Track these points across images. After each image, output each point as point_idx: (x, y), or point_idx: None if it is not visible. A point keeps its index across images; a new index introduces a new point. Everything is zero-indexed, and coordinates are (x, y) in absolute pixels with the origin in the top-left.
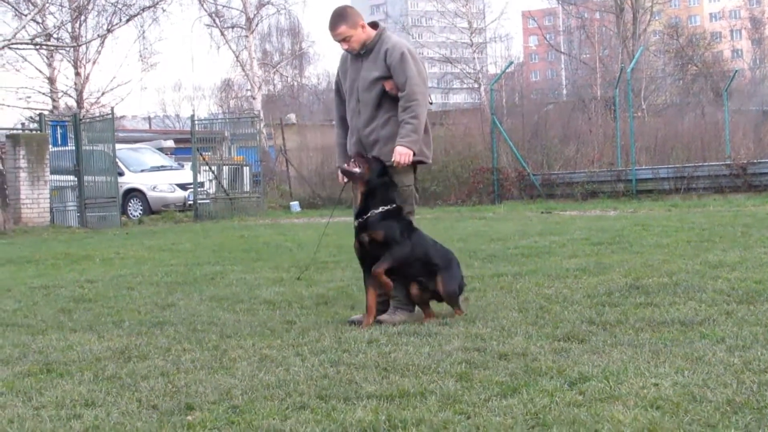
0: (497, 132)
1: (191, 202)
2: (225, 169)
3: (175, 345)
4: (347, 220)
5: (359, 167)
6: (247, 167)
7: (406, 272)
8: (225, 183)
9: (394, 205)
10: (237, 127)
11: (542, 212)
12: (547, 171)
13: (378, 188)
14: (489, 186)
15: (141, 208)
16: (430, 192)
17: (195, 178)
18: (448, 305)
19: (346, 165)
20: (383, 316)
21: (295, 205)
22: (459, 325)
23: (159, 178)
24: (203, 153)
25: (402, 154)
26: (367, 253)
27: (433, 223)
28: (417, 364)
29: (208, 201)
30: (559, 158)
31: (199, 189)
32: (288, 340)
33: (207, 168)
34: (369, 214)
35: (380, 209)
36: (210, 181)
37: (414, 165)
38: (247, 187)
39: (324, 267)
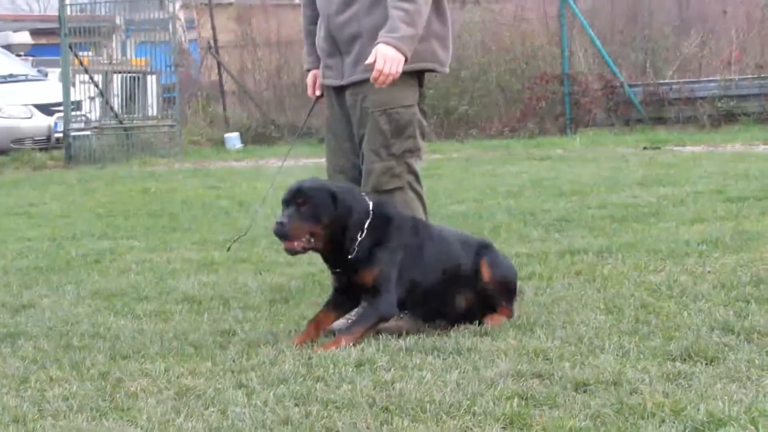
0: (570, 14)
1: (60, 135)
2: (117, 80)
3: (35, 372)
4: (318, 162)
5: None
6: (154, 77)
7: (431, 300)
8: (117, 104)
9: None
10: (135, 11)
11: (645, 147)
12: (653, 80)
13: (342, 243)
14: (556, 105)
15: None
16: (459, 116)
17: (67, 95)
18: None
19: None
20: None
21: (233, 138)
22: (507, 335)
23: (6, 95)
24: (80, 54)
25: (386, 59)
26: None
27: (462, 167)
28: (438, 401)
29: (88, 133)
30: (672, 58)
31: (73, 113)
32: (224, 362)
33: (87, 79)
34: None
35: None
36: (92, 99)
37: (419, 75)
38: (153, 110)
39: None
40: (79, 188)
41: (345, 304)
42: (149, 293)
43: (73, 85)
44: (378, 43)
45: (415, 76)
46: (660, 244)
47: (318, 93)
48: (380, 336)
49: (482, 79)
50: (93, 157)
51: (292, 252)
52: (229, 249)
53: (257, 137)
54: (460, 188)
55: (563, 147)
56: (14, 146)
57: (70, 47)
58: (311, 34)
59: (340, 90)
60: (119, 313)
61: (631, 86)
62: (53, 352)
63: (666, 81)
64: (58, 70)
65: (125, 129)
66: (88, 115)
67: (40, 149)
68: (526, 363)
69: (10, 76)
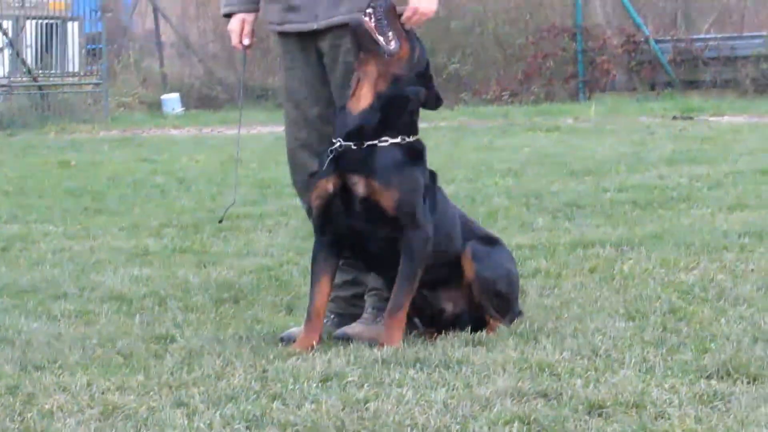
0: None
1: None
2: (30, 26)
3: None
4: (275, 131)
5: (393, 39)
6: (75, 24)
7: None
8: (30, 56)
9: (417, 139)
10: None
11: (674, 117)
12: (684, 34)
13: (407, 98)
14: (567, 64)
15: None
16: (448, 76)
17: None
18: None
19: (370, 24)
20: (353, 327)
21: (172, 100)
22: (506, 344)
23: None
24: None
25: (421, 12)
26: (343, 217)
27: (452, 138)
28: (422, 424)
29: None
30: (709, 9)
31: None
32: (160, 375)
33: None
34: (378, 142)
35: (399, 139)
36: None
37: None
38: (74, 66)
39: (234, 226)
40: None
41: (335, 264)
42: (68, 289)
43: None
44: None
45: None
46: (692, 235)
47: (247, 41)
48: (350, 344)
49: (477, 31)
50: (0, 121)
51: (362, 31)
52: (221, 221)
53: (201, 100)
54: (449, 164)
55: (575, 116)
56: None
57: None
58: None
59: (309, 37)
60: (32, 314)
61: (658, 42)
62: None
63: (701, 36)
64: None
65: (40, 88)
66: None
67: None
68: (529, 379)
69: None
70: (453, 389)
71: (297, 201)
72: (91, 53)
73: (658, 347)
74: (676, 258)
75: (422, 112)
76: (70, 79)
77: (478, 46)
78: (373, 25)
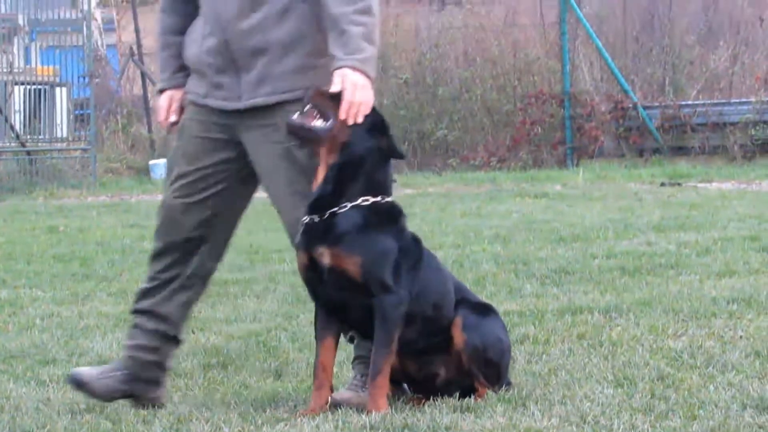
0: (573, 20)
1: None
2: (18, 92)
3: None
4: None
5: (324, 118)
6: (63, 89)
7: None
8: (18, 122)
9: (387, 199)
10: (42, 8)
11: (662, 184)
12: (673, 101)
13: (363, 161)
14: (555, 131)
15: None
16: (436, 142)
17: None
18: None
19: (300, 115)
20: (341, 393)
21: (160, 166)
22: (494, 411)
23: None
24: None
25: (356, 87)
26: (320, 288)
27: (439, 205)
28: None
29: None
30: (696, 75)
31: None
32: None
33: None
34: (338, 208)
35: (359, 201)
36: None
37: None
38: (62, 131)
39: (222, 292)
40: None
41: (337, 323)
42: (57, 355)
43: None
44: (340, 66)
45: None
46: (681, 302)
47: (174, 118)
48: (338, 410)
49: (465, 97)
50: None
51: (299, 130)
52: None
53: None
54: (437, 230)
55: (563, 182)
56: None
57: None
58: (170, 46)
59: (226, 116)
60: (20, 379)
61: (646, 108)
62: None
63: (689, 102)
64: None
65: (28, 153)
66: None
67: None
68: None
69: None
70: None
71: (285, 267)
72: (79, 118)
73: (647, 414)
74: (664, 324)
75: (410, 179)
76: (58, 144)
77: (466, 112)
78: (300, 118)
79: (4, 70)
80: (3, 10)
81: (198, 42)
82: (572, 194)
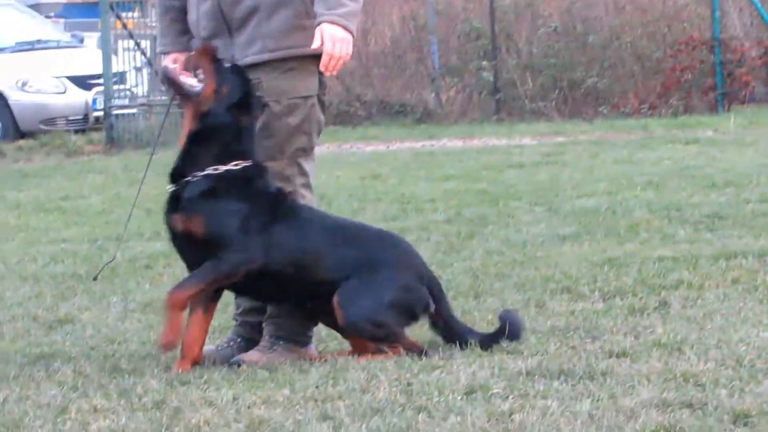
0: None
1: (100, 114)
2: None
3: (76, 401)
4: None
5: (198, 80)
6: None
7: (280, 294)
8: None
9: (246, 164)
10: None
11: None
12: None
13: (220, 130)
14: (706, 77)
15: None
16: (586, 90)
17: (107, 65)
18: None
19: (174, 70)
20: (249, 354)
21: None
22: (650, 356)
23: (33, 66)
24: (123, 15)
25: (335, 40)
26: (184, 252)
27: (590, 152)
28: None
29: (134, 111)
30: None
31: (116, 88)
32: (305, 389)
33: (132, 45)
34: (191, 177)
35: (209, 171)
36: (138, 70)
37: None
38: None
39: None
40: (124, 178)
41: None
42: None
43: (115, 53)
44: (320, 21)
45: (315, 61)
46: None
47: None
48: (494, 356)
49: (614, 45)
50: (140, 140)
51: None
52: (95, 278)
53: (339, 116)
54: (588, 178)
55: (714, 128)
56: (44, 127)
57: (111, 7)
58: (170, 10)
59: None
60: None
61: None
62: (96, 376)
63: None
64: (96, 35)
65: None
66: (134, 89)
67: (76, 131)
68: (674, 390)
69: (39, 42)
70: (598, 400)
71: (438, 216)
72: None
73: None
74: None
75: (561, 127)
76: None
77: (616, 59)
78: (178, 69)
79: (153, 24)
80: None
81: (195, 6)
82: (724, 140)
